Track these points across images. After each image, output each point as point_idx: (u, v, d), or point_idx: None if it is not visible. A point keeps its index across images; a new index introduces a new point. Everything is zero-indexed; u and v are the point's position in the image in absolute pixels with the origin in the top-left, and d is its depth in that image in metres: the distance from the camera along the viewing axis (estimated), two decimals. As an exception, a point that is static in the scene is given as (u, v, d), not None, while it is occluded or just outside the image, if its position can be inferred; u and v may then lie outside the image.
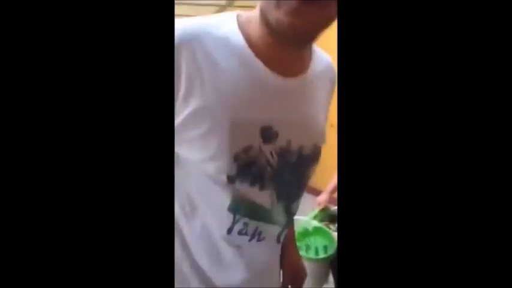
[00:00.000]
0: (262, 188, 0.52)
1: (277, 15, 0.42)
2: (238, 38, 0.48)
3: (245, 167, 0.50)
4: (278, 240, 0.60)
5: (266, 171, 0.52)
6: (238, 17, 0.51)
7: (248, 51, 0.48)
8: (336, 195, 1.58)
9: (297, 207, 0.61)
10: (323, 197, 1.56)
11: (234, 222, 0.54)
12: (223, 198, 0.52)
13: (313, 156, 0.57)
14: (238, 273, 0.58)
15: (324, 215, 2.23)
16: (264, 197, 0.53)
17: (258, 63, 0.48)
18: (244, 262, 0.58)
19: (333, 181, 1.49)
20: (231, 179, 0.50)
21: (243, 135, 0.48)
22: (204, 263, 0.58)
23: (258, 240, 0.57)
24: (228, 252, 0.56)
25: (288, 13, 0.41)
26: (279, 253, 0.65)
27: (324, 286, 1.76)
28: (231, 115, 0.47)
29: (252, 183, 0.51)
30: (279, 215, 0.57)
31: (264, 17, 0.45)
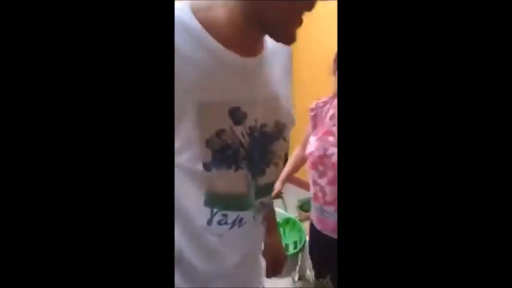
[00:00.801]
0: (237, 169, 0.53)
1: (274, 17, 0.46)
2: (193, 22, 0.48)
3: (220, 152, 0.50)
4: (255, 220, 0.61)
5: (239, 152, 0.52)
6: (191, 3, 0.50)
7: (205, 33, 0.48)
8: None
9: (269, 186, 0.62)
10: (276, 185, 1.57)
11: (212, 215, 0.54)
12: (199, 192, 0.52)
13: (276, 133, 0.58)
14: (221, 261, 0.60)
15: (308, 206, 2.26)
16: (239, 180, 0.54)
17: (216, 45, 0.48)
18: (227, 250, 0.59)
19: (286, 168, 1.51)
20: (207, 167, 0.50)
21: (213, 118, 0.49)
22: (187, 252, 0.58)
23: (240, 226, 0.58)
24: (210, 241, 0.57)
25: (285, 20, 0.46)
26: (261, 233, 0.67)
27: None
28: (198, 99, 0.47)
29: (228, 167, 0.52)
30: (254, 196, 0.58)
31: (255, 14, 0.47)
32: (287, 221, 1.84)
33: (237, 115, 0.50)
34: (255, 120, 0.54)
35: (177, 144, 0.48)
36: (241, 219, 0.57)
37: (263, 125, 0.55)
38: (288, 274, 1.78)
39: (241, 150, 0.52)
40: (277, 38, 0.51)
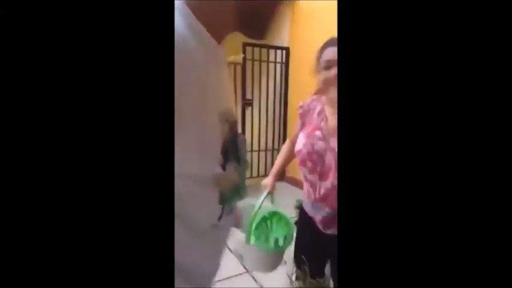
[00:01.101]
0: (231, 164, 0.56)
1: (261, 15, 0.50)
2: (195, 22, 0.47)
3: (224, 151, 0.53)
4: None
5: (230, 148, 0.55)
6: (188, 3, 0.49)
7: (207, 35, 0.48)
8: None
9: None
10: (268, 180, 1.54)
11: (222, 211, 0.57)
12: (212, 193, 0.53)
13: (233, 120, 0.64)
14: (222, 252, 0.63)
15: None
16: (235, 172, 0.57)
17: (218, 47, 0.50)
18: (224, 238, 0.63)
19: (276, 164, 1.50)
20: (223, 167, 0.53)
21: (225, 123, 0.51)
22: (192, 254, 0.58)
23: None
24: (213, 235, 0.59)
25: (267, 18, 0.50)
26: None
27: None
28: (217, 108, 0.48)
29: (230, 163, 0.55)
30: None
31: (245, 13, 0.49)
32: (273, 214, 1.82)
33: (228, 114, 0.53)
34: (235, 116, 0.57)
35: (187, 154, 0.46)
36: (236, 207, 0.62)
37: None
38: (275, 267, 1.76)
39: (230, 145, 0.55)
40: (253, 35, 0.53)
